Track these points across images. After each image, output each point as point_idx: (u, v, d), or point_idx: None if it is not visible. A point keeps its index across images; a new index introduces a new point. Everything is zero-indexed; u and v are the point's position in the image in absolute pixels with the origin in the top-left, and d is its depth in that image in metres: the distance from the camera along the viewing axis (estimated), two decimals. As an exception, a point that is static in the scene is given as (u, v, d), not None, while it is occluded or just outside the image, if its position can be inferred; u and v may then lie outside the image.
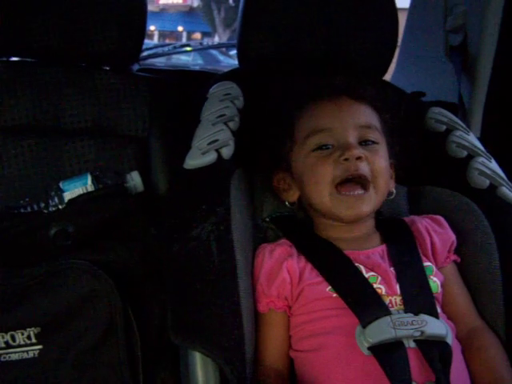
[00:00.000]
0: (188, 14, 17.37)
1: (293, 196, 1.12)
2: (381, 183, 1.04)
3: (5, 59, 1.51)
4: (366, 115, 1.08)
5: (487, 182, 1.13)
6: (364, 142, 1.05)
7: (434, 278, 1.02)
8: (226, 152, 1.07)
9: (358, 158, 1.01)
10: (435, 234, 1.08)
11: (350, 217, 1.03)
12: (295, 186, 1.10)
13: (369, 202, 1.03)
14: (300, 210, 1.14)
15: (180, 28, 16.70)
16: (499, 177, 1.15)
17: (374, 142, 1.05)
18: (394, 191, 1.14)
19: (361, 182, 1.02)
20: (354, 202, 1.02)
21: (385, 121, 1.12)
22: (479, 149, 1.20)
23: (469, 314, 1.05)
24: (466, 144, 1.20)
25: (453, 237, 1.09)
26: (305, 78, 1.20)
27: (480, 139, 1.26)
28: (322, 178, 1.03)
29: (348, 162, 1.01)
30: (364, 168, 1.01)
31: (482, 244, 1.08)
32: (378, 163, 1.04)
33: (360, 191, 1.02)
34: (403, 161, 1.18)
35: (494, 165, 1.18)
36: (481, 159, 1.17)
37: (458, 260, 1.10)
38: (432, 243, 1.08)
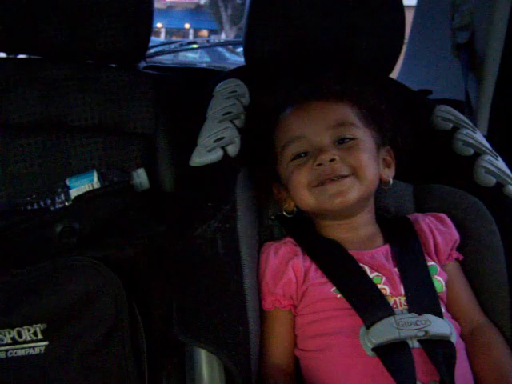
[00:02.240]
0: (195, 11, 17.39)
1: (289, 206, 1.11)
2: (365, 174, 1.02)
3: (12, 56, 1.51)
4: (336, 114, 1.06)
5: (494, 180, 1.12)
6: (342, 140, 1.04)
7: (438, 278, 1.02)
8: (232, 149, 1.08)
9: (332, 160, 1.00)
10: (438, 232, 1.08)
11: (336, 205, 1.01)
12: (289, 196, 1.10)
13: (352, 188, 1.01)
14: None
15: (187, 25, 16.72)
16: (506, 175, 1.14)
17: (350, 139, 1.04)
18: (391, 180, 1.12)
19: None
20: (335, 188, 1.00)
21: (368, 109, 1.10)
22: (486, 147, 1.20)
23: (472, 311, 1.05)
24: (473, 142, 1.19)
25: (456, 235, 1.09)
26: (293, 82, 1.20)
27: (487, 137, 1.26)
28: (299, 185, 1.03)
29: (322, 166, 1.00)
30: (340, 168, 1.01)
31: (487, 242, 1.07)
32: (357, 159, 1.02)
33: (340, 178, 1.00)
34: (409, 159, 1.17)
35: (500, 163, 1.18)
36: (487, 157, 1.16)
37: (461, 258, 1.10)
38: (435, 242, 1.07)
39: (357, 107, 1.09)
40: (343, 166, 1.01)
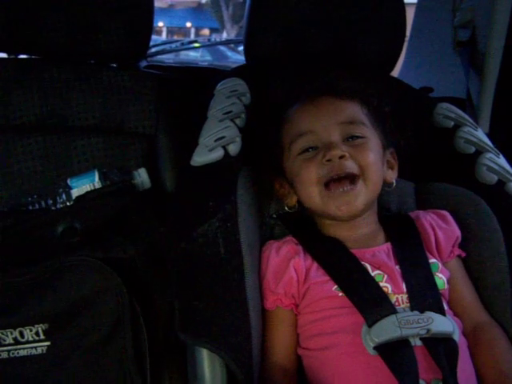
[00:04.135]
0: (196, 10, 17.38)
1: (291, 200, 1.11)
2: (371, 176, 1.02)
3: (13, 57, 1.51)
4: (347, 111, 1.06)
5: (495, 177, 1.12)
6: (350, 138, 1.04)
7: (440, 275, 1.02)
8: (233, 149, 1.07)
9: (342, 157, 1.00)
10: (439, 229, 1.08)
11: (343, 213, 1.02)
12: (292, 190, 1.10)
13: (359, 196, 1.01)
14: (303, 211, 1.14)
15: (188, 24, 16.72)
16: (508, 173, 1.14)
17: (359, 137, 1.04)
18: (394, 182, 1.12)
19: (349, 177, 1.01)
20: (344, 198, 1.01)
21: (375, 110, 1.11)
22: (487, 144, 1.19)
23: (475, 309, 1.05)
24: (474, 140, 1.19)
25: (457, 232, 1.09)
26: (302, 77, 1.20)
27: (488, 135, 1.25)
28: (308, 180, 1.03)
29: (332, 162, 1.00)
30: (349, 165, 1.01)
31: (489, 240, 1.07)
32: (365, 157, 1.02)
33: (348, 186, 1.01)
34: (411, 157, 1.17)
35: (502, 161, 1.17)
36: (489, 155, 1.16)
37: (463, 255, 1.10)
38: (436, 239, 1.07)
39: (366, 107, 1.10)
40: (352, 164, 1.01)
